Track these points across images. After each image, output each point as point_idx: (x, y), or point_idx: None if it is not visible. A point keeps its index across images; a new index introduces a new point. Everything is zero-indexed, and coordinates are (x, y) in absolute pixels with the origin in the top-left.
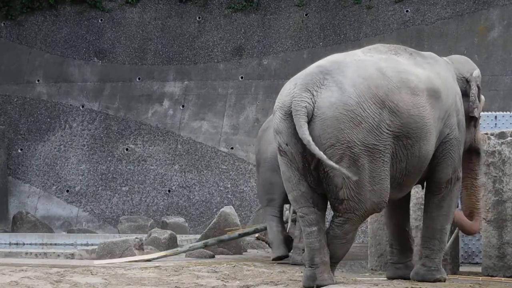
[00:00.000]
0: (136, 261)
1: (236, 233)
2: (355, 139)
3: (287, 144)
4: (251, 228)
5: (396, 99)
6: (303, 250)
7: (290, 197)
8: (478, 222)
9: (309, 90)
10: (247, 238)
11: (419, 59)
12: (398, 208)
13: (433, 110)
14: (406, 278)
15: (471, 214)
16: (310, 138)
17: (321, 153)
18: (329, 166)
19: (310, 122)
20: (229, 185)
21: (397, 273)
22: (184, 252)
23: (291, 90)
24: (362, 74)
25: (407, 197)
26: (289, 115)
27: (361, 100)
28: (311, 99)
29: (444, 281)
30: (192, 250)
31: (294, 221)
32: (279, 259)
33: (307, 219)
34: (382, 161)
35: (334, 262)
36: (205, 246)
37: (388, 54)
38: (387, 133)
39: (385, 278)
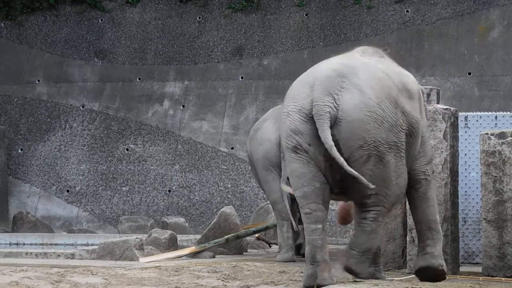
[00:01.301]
0: (168, 259)
1: (251, 229)
2: (379, 138)
3: (309, 144)
4: (263, 225)
5: (402, 100)
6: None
7: (299, 193)
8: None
9: (331, 94)
10: (247, 238)
11: (394, 62)
12: None
13: (419, 110)
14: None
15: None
16: (332, 143)
17: (342, 159)
18: (349, 172)
19: (334, 125)
20: (229, 185)
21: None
22: (211, 247)
23: (307, 93)
24: (372, 75)
25: None
26: (310, 118)
27: (379, 101)
28: (333, 103)
29: (445, 273)
30: (218, 245)
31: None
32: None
33: (314, 216)
34: (401, 156)
35: (369, 256)
36: (227, 241)
37: (376, 57)
38: (401, 131)
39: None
